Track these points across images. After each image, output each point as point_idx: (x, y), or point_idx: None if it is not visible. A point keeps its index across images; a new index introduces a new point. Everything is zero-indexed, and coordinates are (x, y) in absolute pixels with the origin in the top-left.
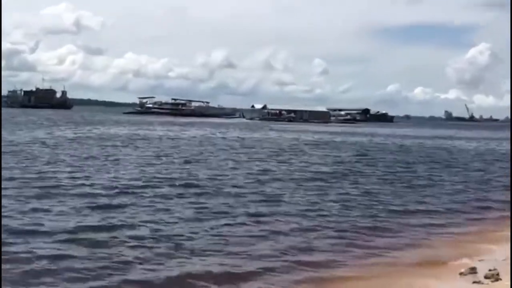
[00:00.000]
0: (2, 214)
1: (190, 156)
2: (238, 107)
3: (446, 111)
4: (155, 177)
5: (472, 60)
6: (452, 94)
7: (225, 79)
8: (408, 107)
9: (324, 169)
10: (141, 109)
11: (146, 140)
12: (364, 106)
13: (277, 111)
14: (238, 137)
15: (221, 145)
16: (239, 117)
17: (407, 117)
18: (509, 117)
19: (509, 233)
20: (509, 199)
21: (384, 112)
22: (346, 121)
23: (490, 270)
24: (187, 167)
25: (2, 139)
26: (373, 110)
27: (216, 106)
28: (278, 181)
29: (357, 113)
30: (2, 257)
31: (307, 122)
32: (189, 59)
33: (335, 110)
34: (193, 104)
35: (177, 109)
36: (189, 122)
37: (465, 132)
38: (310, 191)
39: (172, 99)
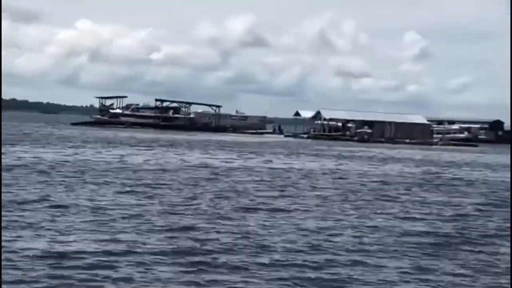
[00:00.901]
0: None
1: None
2: (271, 115)
3: None
4: None
5: None
6: None
7: (250, 67)
8: None
9: None
10: (103, 118)
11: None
12: (493, 117)
13: (340, 123)
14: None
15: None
16: (274, 131)
17: None
18: None
19: None
20: None
21: None
22: (460, 141)
23: None
24: None
25: None
26: (509, 124)
27: (233, 113)
28: None
29: (481, 129)
30: None
31: (393, 142)
32: (186, 31)
33: (441, 122)
34: (193, 109)
35: (165, 118)
36: (185, 141)
37: None
38: None
39: (157, 100)
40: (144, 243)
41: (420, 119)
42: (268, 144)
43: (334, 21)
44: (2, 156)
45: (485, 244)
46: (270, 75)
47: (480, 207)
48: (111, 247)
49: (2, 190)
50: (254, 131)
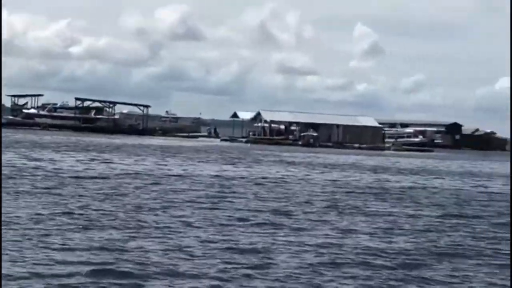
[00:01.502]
0: None
1: None
2: (206, 116)
3: None
4: None
5: None
6: None
7: (182, 63)
8: None
9: None
10: (15, 118)
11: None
12: (449, 119)
13: (283, 126)
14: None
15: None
16: (209, 135)
17: None
18: None
19: None
20: None
21: (489, 131)
22: (415, 146)
23: None
24: None
25: None
26: (467, 127)
27: (163, 114)
28: None
29: (437, 132)
30: None
31: (341, 147)
32: (111, 21)
33: (394, 125)
34: (118, 109)
35: (86, 119)
36: (108, 145)
37: None
38: None
39: (77, 99)
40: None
41: (370, 121)
42: (201, 149)
43: (276, 12)
44: None
45: (448, 261)
46: (205, 72)
47: (439, 219)
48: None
49: None
50: (187, 134)
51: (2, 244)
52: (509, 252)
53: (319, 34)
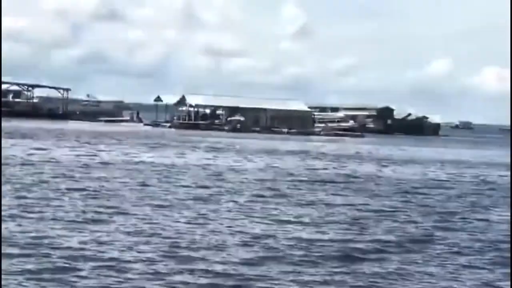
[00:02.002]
0: None
1: None
2: (128, 100)
3: None
4: None
5: None
6: None
7: (104, 44)
8: (467, 107)
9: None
10: None
11: None
12: (381, 103)
13: (209, 110)
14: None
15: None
16: (131, 119)
17: (466, 126)
18: None
19: None
20: None
21: (421, 115)
22: (345, 131)
23: None
24: None
25: None
26: (399, 112)
27: (84, 98)
28: None
29: (368, 117)
30: None
31: (269, 132)
32: (31, 1)
33: (324, 109)
34: (38, 93)
35: (4, 103)
36: (27, 129)
37: None
38: None
39: None
40: None
41: (300, 105)
42: (123, 134)
43: None
44: None
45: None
46: (128, 54)
47: (371, 208)
48: None
49: None
50: (108, 118)
51: None
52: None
53: (247, 14)
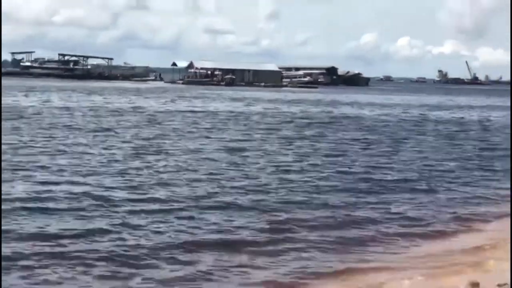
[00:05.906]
0: None
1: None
2: (153, 65)
3: (440, 71)
4: None
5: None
6: (448, 47)
7: (135, 26)
8: (388, 66)
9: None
10: (15, 69)
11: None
12: (329, 64)
13: (209, 71)
14: (153, 112)
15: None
16: (155, 79)
17: (388, 79)
18: None
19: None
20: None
21: (356, 72)
22: (305, 84)
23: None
24: None
25: None
26: (341, 70)
27: (122, 64)
28: None
29: (320, 74)
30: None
31: (252, 86)
32: None
33: (289, 69)
34: (90, 61)
35: (67, 69)
36: (84, 87)
37: (466, 99)
38: None
39: (60, 54)
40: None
41: (273, 67)
42: (147, 89)
43: None
44: None
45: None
46: (152, 33)
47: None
48: None
49: None
50: (139, 79)
51: None
52: None
53: (235, 2)
